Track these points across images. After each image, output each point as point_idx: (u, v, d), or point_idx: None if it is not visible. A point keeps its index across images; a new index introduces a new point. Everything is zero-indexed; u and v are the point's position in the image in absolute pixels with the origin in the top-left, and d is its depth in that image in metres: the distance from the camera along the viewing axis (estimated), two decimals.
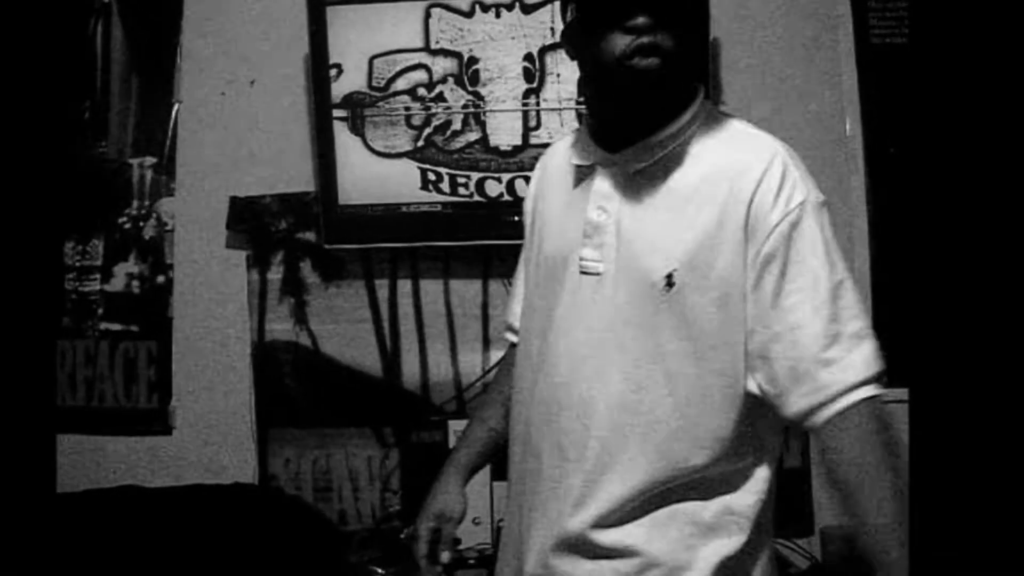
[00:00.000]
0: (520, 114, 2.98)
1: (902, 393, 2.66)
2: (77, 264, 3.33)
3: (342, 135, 3.06)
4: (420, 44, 3.01)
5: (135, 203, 3.31)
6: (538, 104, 2.97)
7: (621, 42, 1.51)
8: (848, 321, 1.50)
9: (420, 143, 3.03)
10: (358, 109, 3.04)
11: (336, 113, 3.05)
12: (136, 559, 2.73)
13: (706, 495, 1.58)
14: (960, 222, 1.86)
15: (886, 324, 3.06)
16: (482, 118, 3.00)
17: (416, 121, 3.04)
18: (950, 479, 1.85)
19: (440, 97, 3.02)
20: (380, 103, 3.04)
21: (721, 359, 1.53)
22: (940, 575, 1.43)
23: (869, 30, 3.08)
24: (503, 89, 2.98)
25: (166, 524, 2.85)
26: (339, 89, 3.05)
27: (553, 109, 2.96)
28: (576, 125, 1.70)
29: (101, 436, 3.29)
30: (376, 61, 3.03)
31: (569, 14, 1.63)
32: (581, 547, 1.60)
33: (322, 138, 3.07)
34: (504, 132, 2.99)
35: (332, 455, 3.21)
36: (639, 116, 1.61)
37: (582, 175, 1.68)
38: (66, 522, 2.79)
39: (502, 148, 3.00)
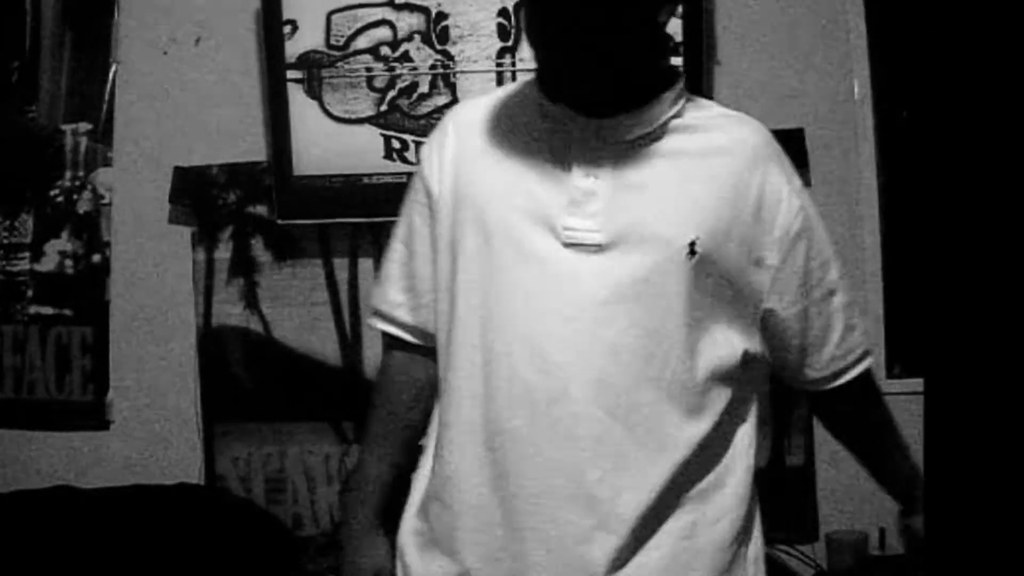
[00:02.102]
0: (494, 75, 2.97)
1: (916, 384, 2.65)
2: (4, 241, 3.30)
3: (297, 99, 3.03)
4: None
5: (68, 174, 3.28)
6: (514, 64, 2.96)
7: None
8: (851, 291, 1.82)
9: (383, 107, 3.02)
10: (315, 70, 3.02)
11: (290, 75, 3.02)
12: (70, 568, 2.72)
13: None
14: (981, 196, 1.82)
15: (898, 310, 3.08)
16: (452, 80, 2.99)
17: (379, 83, 3.01)
18: (965, 473, 1.83)
19: (405, 57, 3.00)
20: (339, 63, 3.01)
21: (727, 327, 1.70)
22: (956, 569, 1.43)
23: None
24: (475, 48, 2.97)
25: (103, 529, 2.85)
26: (294, 48, 3.01)
27: (530, 70, 2.89)
28: None
29: (31, 431, 3.28)
30: (335, 17, 3.00)
31: None
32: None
33: (275, 102, 3.05)
34: (476, 95, 2.96)
35: (286, 452, 3.20)
36: (564, 60, 1.65)
37: (544, 138, 1.70)
38: None
39: None
